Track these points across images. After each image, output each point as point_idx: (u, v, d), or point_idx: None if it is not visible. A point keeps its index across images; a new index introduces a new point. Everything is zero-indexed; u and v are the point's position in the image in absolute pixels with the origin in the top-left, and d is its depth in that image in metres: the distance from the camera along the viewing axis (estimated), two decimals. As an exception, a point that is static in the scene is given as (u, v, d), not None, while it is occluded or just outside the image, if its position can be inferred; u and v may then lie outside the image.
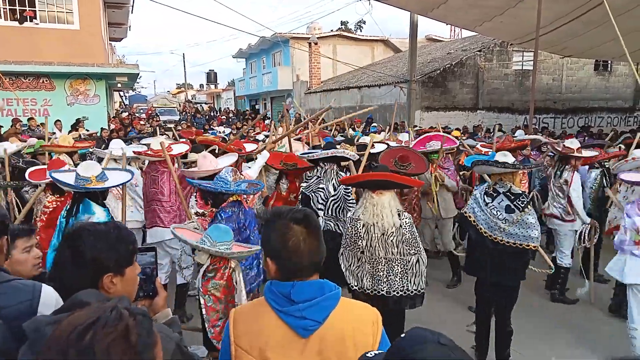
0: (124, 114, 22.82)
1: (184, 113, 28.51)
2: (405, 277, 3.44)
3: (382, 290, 3.45)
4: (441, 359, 0.97)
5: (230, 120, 22.90)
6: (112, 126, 14.54)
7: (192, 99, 44.93)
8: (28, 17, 14.11)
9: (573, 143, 5.67)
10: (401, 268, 3.44)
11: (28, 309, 1.63)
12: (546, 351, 4.40)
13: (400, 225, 3.40)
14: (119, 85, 20.05)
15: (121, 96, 35.36)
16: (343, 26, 39.93)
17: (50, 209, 4.23)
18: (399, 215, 3.44)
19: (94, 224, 1.64)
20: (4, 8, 13.97)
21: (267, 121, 18.00)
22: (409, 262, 3.43)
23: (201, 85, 54.08)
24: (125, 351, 0.90)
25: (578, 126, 18.25)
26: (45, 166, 4.76)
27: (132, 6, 19.18)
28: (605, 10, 7.09)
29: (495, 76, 17.58)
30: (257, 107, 33.36)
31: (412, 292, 3.45)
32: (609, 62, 19.05)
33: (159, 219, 4.79)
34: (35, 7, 14.22)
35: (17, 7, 14.02)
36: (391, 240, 3.40)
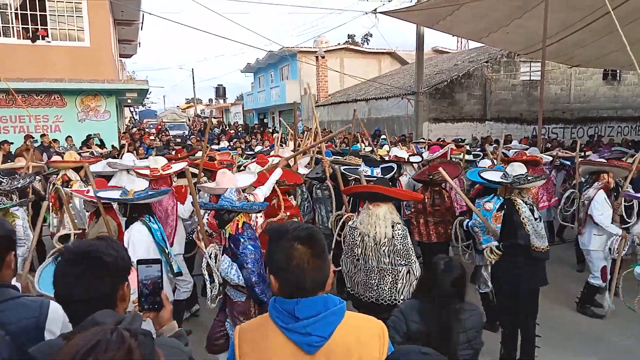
0: (134, 129, 23.06)
1: (192, 127, 28.70)
2: (395, 287, 3.57)
3: (372, 298, 3.63)
4: None
5: (239, 134, 23.02)
6: (123, 141, 14.68)
7: (202, 113, 45.32)
8: (41, 36, 14.36)
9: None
10: (392, 278, 3.57)
11: (35, 325, 1.64)
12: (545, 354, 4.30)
13: (393, 237, 3.53)
14: (129, 101, 20.31)
15: (131, 112, 35.79)
16: (350, 39, 40.13)
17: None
18: (392, 227, 3.56)
19: (94, 241, 1.64)
20: (17, 27, 14.24)
21: (275, 135, 18.06)
22: (399, 272, 3.55)
23: (210, 100, 54.56)
24: None
25: (588, 136, 18.10)
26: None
27: (142, 23, 19.47)
28: (612, 20, 7.07)
29: (503, 87, 17.54)
30: (265, 120, 33.56)
31: (399, 302, 3.54)
32: (618, 71, 18.94)
33: None
34: (47, 25, 14.48)
35: (30, 26, 14.29)
36: (383, 250, 3.55)
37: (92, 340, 0.91)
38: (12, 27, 14.19)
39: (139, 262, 1.61)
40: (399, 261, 3.52)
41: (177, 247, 4.92)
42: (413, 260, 3.55)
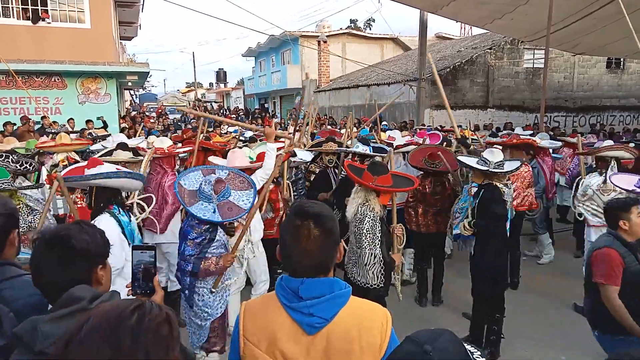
0: (134, 112, 23.01)
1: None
2: (357, 267, 3.58)
3: (349, 274, 3.67)
4: None
5: (240, 118, 22.97)
6: (124, 125, 14.63)
7: (202, 97, 45.12)
8: (42, 18, 14.23)
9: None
10: (355, 258, 3.60)
11: (39, 303, 1.65)
12: (537, 353, 4.29)
13: (354, 217, 3.53)
14: (130, 84, 20.20)
15: (131, 95, 35.63)
16: (352, 24, 39.81)
17: (80, 205, 4.31)
18: (358, 209, 3.54)
19: (68, 225, 1.69)
20: (16, 7, 14.11)
21: (275, 119, 18.04)
22: (357, 253, 3.54)
23: (211, 84, 54.23)
24: (169, 335, 0.95)
25: (590, 125, 18.05)
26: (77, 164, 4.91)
27: (142, 5, 19.29)
28: (618, 7, 7.00)
29: (505, 74, 17.44)
30: (266, 105, 33.43)
31: (361, 283, 3.53)
32: (622, 59, 18.81)
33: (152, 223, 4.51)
34: (47, 6, 14.34)
35: (30, 7, 14.15)
36: (351, 229, 3.61)
37: (134, 302, 0.96)
38: (12, 7, 14.06)
39: (134, 247, 1.64)
40: (356, 243, 3.53)
41: (170, 235, 4.57)
42: (364, 246, 3.47)
